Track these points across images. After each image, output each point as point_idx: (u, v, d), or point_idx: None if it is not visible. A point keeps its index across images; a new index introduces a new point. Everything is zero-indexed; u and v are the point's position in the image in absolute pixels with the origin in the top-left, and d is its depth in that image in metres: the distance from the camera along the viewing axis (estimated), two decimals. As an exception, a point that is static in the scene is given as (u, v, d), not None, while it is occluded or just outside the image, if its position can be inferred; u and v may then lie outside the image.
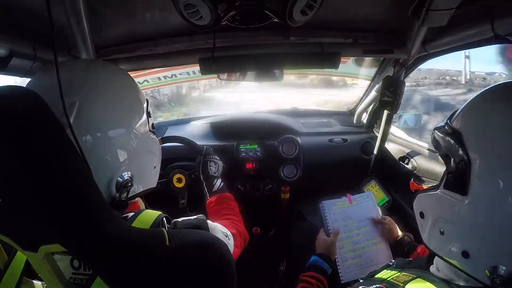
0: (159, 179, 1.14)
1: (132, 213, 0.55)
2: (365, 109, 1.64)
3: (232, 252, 0.60)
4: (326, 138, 1.58)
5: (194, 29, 0.74)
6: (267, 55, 0.99)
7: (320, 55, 0.98)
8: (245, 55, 0.99)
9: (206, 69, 0.99)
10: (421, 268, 0.58)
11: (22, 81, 0.82)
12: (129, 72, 0.66)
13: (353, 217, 1.01)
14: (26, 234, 0.44)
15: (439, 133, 0.51)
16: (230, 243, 0.68)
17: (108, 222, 0.40)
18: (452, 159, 0.48)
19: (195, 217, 0.61)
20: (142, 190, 0.62)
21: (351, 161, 1.55)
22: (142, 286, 0.43)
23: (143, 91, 0.73)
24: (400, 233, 0.97)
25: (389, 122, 1.40)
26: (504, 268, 0.40)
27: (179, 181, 1.14)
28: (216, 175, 1.02)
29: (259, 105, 4.46)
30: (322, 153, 1.54)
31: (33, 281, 0.52)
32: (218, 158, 1.09)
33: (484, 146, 0.44)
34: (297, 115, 1.77)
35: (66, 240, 0.40)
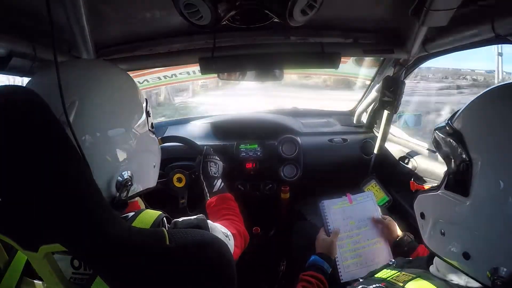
0: (159, 179, 1.14)
1: (132, 213, 0.55)
2: (365, 109, 1.64)
3: (232, 252, 0.60)
4: (326, 138, 1.58)
5: (194, 29, 0.74)
6: (267, 55, 0.99)
7: (320, 55, 0.98)
8: (245, 54, 0.99)
9: (206, 69, 0.99)
10: (421, 268, 0.58)
11: (21, 81, 0.82)
12: (129, 72, 0.66)
13: (353, 217, 1.01)
14: (26, 234, 0.44)
15: (440, 134, 0.51)
16: (231, 243, 0.68)
17: (108, 221, 0.40)
18: (453, 160, 0.48)
19: (195, 217, 0.61)
20: (142, 189, 0.63)
21: (351, 161, 1.55)
22: (142, 286, 0.43)
23: (143, 91, 0.74)
24: (400, 233, 0.97)
25: (389, 122, 1.40)
26: (505, 269, 0.40)
27: (179, 181, 1.14)
28: (216, 175, 1.02)
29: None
30: (322, 153, 1.53)
31: (34, 281, 0.52)
32: (218, 158, 1.09)
33: (486, 147, 0.44)
34: (297, 115, 1.77)
35: (66, 240, 0.40)
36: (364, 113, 1.67)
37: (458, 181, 0.46)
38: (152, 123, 0.66)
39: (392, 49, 1.02)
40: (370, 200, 1.06)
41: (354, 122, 1.74)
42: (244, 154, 1.46)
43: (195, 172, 1.10)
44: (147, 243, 0.43)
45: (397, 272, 0.57)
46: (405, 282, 0.50)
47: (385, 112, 1.36)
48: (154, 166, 0.67)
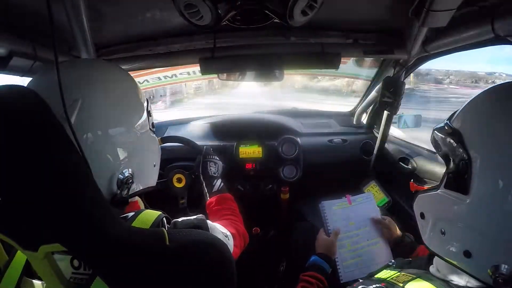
0: (159, 179, 1.14)
1: (132, 213, 0.55)
2: (365, 110, 1.64)
3: (231, 252, 0.60)
4: (326, 138, 1.58)
5: (195, 29, 0.74)
6: (268, 55, 0.99)
7: (321, 55, 0.98)
8: (246, 55, 0.99)
9: (206, 69, 0.99)
10: (421, 268, 0.58)
11: (22, 81, 0.82)
12: (129, 72, 0.66)
13: (352, 218, 1.01)
14: (26, 233, 0.44)
15: (439, 134, 0.52)
16: (230, 243, 0.68)
17: (108, 221, 0.40)
18: (452, 159, 0.48)
19: (194, 217, 0.61)
20: (142, 187, 0.63)
21: (351, 162, 1.55)
22: (142, 286, 0.43)
23: (143, 90, 0.74)
24: (400, 233, 0.97)
25: (389, 122, 1.40)
26: (506, 266, 0.41)
27: (179, 181, 1.14)
28: (216, 175, 1.02)
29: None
30: (322, 153, 1.54)
31: (33, 280, 0.52)
32: (218, 158, 1.09)
33: (485, 145, 0.44)
34: (297, 116, 1.77)
35: (66, 240, 0.40)
36: (364, 114, 1.68)
37: (457, 179, 0.46)
38: (153, 123, 0.67)
39: (392, 49, 1.02)
40: (369, 201, 1.06)
41: (354, 122, 1.74)
42: (244, 154, 1.46)
43: (195, 172, 1.10)
44: (147, 243, 0.43)
45: (397, 273, 0.57)
46: (405, 282, 0.50)
47: (385, 113, 1.36)
48: (154, 165, 0.68)
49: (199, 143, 1.21)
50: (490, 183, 0.42)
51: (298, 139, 1.49)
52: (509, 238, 0.41)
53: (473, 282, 0.46)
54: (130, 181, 0.57)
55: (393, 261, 0.67)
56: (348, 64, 1.68)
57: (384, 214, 1.06)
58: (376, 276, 0.61)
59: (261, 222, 1.44)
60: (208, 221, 0.63)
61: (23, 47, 0.72)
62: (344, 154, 1.56)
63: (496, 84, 0.50)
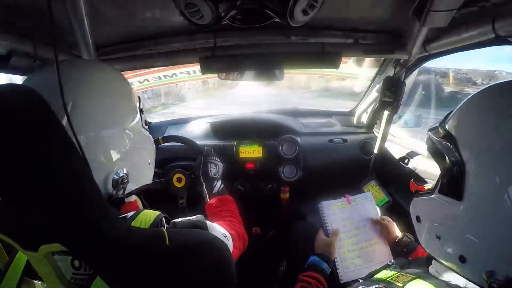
0: (159, 179, 1.14)
1: (131, 213, 0.55)
2: (365, 110, 1.64)
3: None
4: (326, 138, 1.58)
5: (195, 28, 0.74)
6: (268, 54, 0.99)
7: (321, 55, 0.98)
8: (246, 54, 0.99)
9: (207, 69, 0.99)
10: (421, 269, 0.58)
11: (21, 80, 0.81)
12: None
13: (352, 218, 1.01)
14: (26, 233, 0.44)
15: (433, 136, 0.51)
16: (229, 244, 0.68)
17: (108, 222, 0.40)
18: (446, 163, 0.48)
19: (194, 217, 0.61)
20: (138, 186, 0.63)
21: (351, 162, 1.55)
22: (142, 286, 0.43)
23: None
24: (399, 233, 0.97)
25: (389, 122, 1.40)
26: (501, 273, 0.40)
27: (179, 180, 1.14)
28: (216, 176, 1.02)
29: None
30: (322, 153, 1.53)
31: (34, 281, 0.52)
32: (218, 159, 1.08)
33: (478, 151, 0.44)
34: (297, 115, 1.77)
35: (66, 240, 0.40)
36: (364, 114, 1.67)
37: (451, 185, 0.46)
38: (145, 120, 0.67)
39: (392, 49, 1.02)
40: (368, 201, 1.06)
41: (354, 122, 1.74)
42: (244, 154, 1.46)
43: (195, 172, 1.10)
44: (147, 243, 0.43)
45: (396, 273, 0.57)
46: (405, 282, 0.50)
47: (385, 113, 1.36)
48: (149, 163, 0.68)
49: (199, 142, 1.21)
50: (483, 190, 0.42)
51: (298, 139, 1.49)
52: (503, 245, 0.41)
53: (472, 284, 0.46)
54: (126, 180, 0.57)
55: (392, 261, 0.67)
56: (348, 63, 1.68)
57: (384, 214, 1.06)
58: (376, 276, 0.61)
59: (261, 222, 1.44)
60: (207, 221, 0.63)
61: (23, 46, 0.72)
62: (344, 154, 1.56)
63: (488, 85, 0.49)
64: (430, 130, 0.53)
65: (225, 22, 0.76)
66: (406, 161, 1.37)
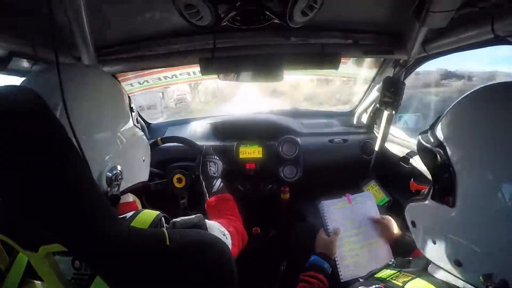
0: (159, 179, 1.14)
1: (131, 213, 0.55)
2: (365, 110, 1.64)
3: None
4: (326, 138, 1.58)
5: (195, 29, 0.74)
6: (268, 55, 0.99)
7: (321, 55, 0.98)
8: (246, 55, 0.99)
9: (206, 70, 0.99)
10: (420, 268, 0.58)
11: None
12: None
13: (352, 217, 1.01)
14: (26, 234, 0.44)
15: (423, 142, 0.51)
16: (228, 241, 0.68)
17: (108, 222, 0.40)
18: (437, 170, 0.48)
19: (193, 216, 0.62)
20: (133, 183, 0.64)
21: (351, 162, 1.55)
22: (142, 286, 0.43)
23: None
24: (399, 232, 0.97)
25: (389, 122, 1.40)
26: (497, 276, 0.41)
27: (179, 181, 1.14)
28: (215, 175, 1.02)
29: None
30: (322, 153, 1.54)
31: (34, 281, 0.52)
32: (218, 158, 1.09)
33: (469, 158, 0.44)
34: (297, 116, 1.77)
35: (66, 240, 0.40)
36: (364, 114, 1.67)
37: (443, 192, 0.46)
38: (137, 118, 0.68)
39: (392, 50, 1.02)
40: (369, 200, 1.06)
41: (354, 122, 1.74)
42: (244, 154, 1.46)
43: (195, 172, 1.10)
44: (147, 243, 0.43)
45: (396, 272, 0.57)
46: (405, 282, 0.50)
47: (385, 113, 1.36)
48: (144, 160, 0.69)
49: (199, 143, 1.21)
50: (474, 196, 0.42)
51: (298, 139, 1.49)
52: (497, 249, 0.41)
53: (471, 285, 0.46)
54: (120, 177, 0.58)
55: (393, 260, 0.67)
56: (347, 64, 1.68)
57: (384, 214, 1.06)
58: (376, 275, 0.61)
59: (261, 222, 1.44)
60: (206, 220, 0.63)
61: (23, 48, 0.72)
62: (344, 154, 1.56)
63: (475, 88, 0.49)
64: (420, 133, 0.53)
65: (224, 23, 0.76)
66: (406, 161, 1.37)
